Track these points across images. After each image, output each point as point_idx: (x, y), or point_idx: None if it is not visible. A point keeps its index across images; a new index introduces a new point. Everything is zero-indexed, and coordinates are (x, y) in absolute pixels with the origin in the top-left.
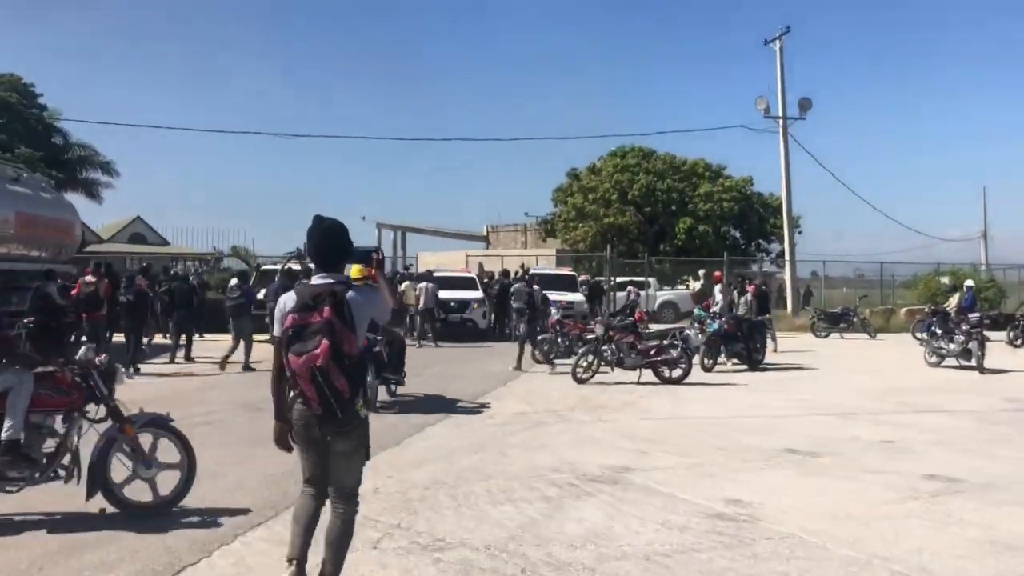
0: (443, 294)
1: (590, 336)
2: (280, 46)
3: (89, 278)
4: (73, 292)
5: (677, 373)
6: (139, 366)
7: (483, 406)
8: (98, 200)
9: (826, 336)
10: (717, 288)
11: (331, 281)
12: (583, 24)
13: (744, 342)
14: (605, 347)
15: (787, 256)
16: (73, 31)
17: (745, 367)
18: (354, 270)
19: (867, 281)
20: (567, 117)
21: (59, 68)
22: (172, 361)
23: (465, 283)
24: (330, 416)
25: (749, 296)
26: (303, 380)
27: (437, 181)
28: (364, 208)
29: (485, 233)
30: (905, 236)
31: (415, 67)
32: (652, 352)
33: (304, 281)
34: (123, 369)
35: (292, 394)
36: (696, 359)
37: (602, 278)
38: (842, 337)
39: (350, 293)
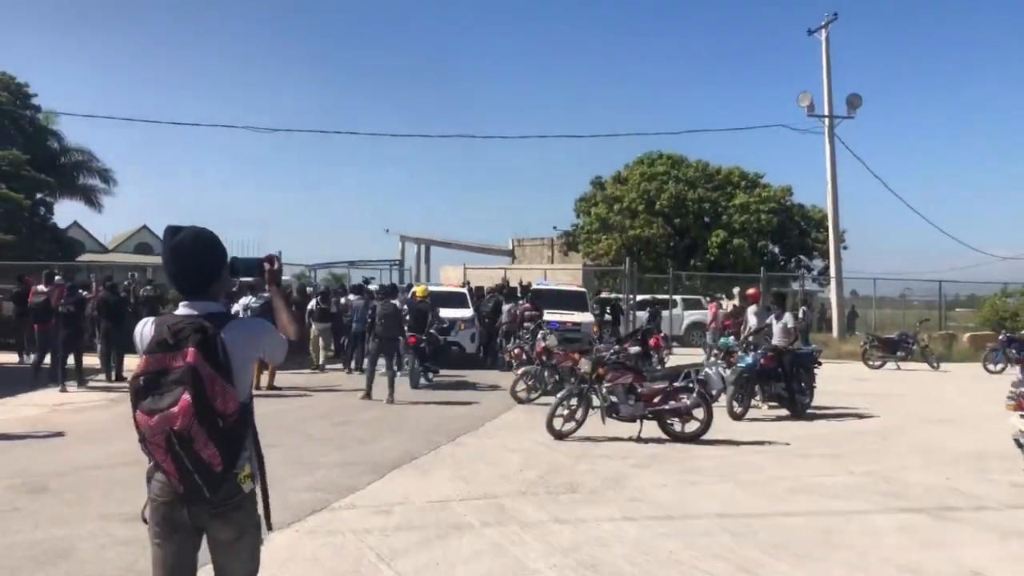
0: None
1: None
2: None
3: (42, 287)
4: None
5: (692, 427)
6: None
7: (391, 485)
8: (97, 208)
9: (880, 366)
10: (751, 309)
11: (196, 313)
12: (608, 24)
13: (786, 381)
14: (595, 389)
15: (833, 272)
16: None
17: (786, 413)
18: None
19: (914, 302)
20: (596, 122)
21: (58, 68)
22: (109, 379)
23: (453, 300)
24: (196, 496)
25: (788, 321)
26: (155, 448)
27: (463, 194)
28: (388, 221)
29: (511, 247)
30: (952, 253)
31: (440, 69)
32: (658, 398)
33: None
34: None
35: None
36: (722, 400)
37: (620, 295)
38: (899, 367)
39: (227, 328)
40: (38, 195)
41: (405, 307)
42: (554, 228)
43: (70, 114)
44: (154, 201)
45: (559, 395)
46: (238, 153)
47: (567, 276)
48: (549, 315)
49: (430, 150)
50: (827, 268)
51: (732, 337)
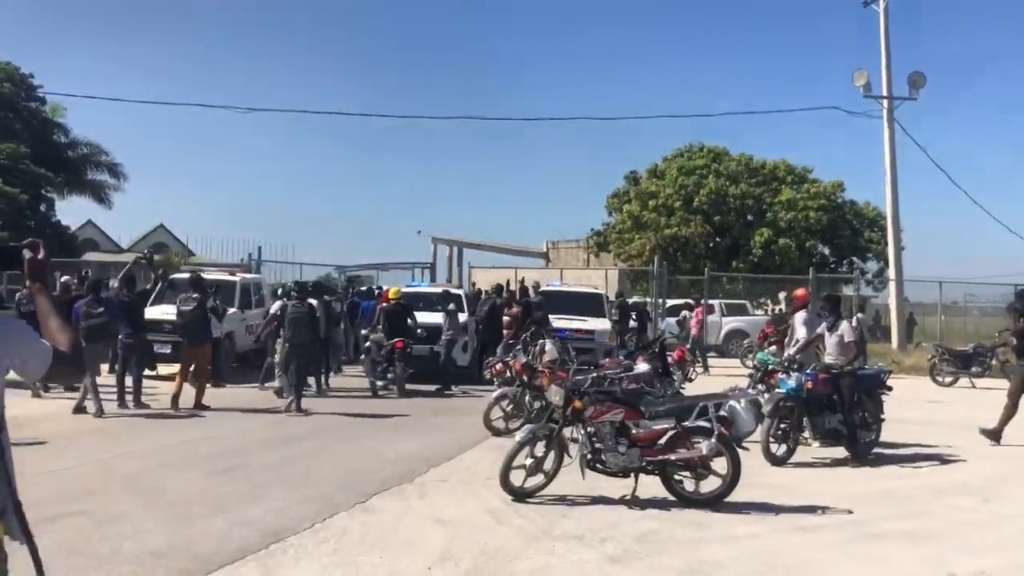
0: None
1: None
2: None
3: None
4: None
5: (710, 486)
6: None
7: None
8: (107, 204)
9: (952, 383)
10: (799, 316)
11: None
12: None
13: (843, 412)
14: (577, 427)
15: (892, 274)
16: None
17: (843, 455)
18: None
19: (973, 310)
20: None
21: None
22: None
23: (444, 302)
24: None
25: (844, 332)
26: None
27: (499, 196)
28: (419, 222)
29: (545, 250)
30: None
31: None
32: (660, 443)
33: None
34: None
35: None
36: (757, 435)
37: (647, 299)
38: (973, 385)
39: None
40: (43, 191)
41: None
42: (591, 230)
43: (70, 95)
44: (172, 200)
45: (519, 436)
46: (263, 154)
47: (600, 279)
48: (557, 322)
49: (464, 149)
50: (882, 271)
51: (772, 348)
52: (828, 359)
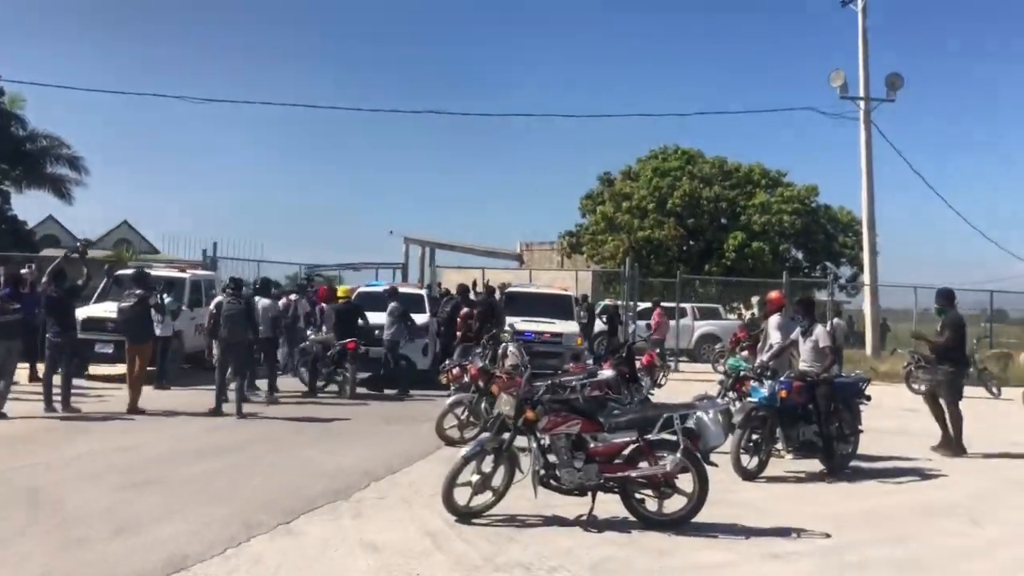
0: (371, 318)
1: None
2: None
3: None
4: None
5: (675, 506)
6: None
7: None
8: (68, 200)
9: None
10: (773, 321)
11: None
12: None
13: (819, 422)
14: (532, 439)
15: (867, 279)
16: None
17: (819, 469)
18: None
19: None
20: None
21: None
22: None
23: (408, 303)
24: None
25: (819, 337)
26: None
27: (472, 196)
28: (393, 222)
29: (519, 251)
30: (991, 263)
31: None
32: (620, 458)
33: None
34: None
35: None
36: (727, 447)
37: (618, 302)
38: None
39: None
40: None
41: (321, 308)
42: (563, 232)
43: (23, 82)
44: (138, 198)
45: (465, 450)
46: (240, 153)
47: (572, 281)
48: (523, 324)
49: (438, 148)
50: (855, 276)
51: (744, 353)
52: (803, 366)
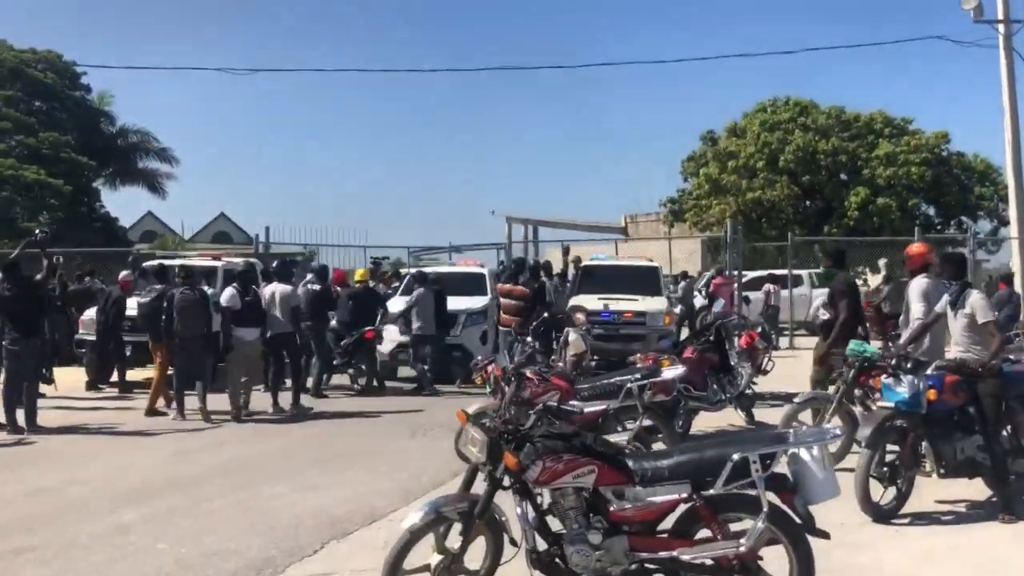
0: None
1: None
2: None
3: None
4: None
5: None
6: None
7: None
8: (161, 194)
9: None
10: (916, 286)
11: None
12: None
13: (984, 433)
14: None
15: (1015, 231)
16: None
17: (985, 495)
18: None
19: None
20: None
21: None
22: None
23: (464, 285)
24: None
25: (977, 308)
26: None
27: (575, 172)
28: (493, 201)
29: (623, 224)
30: None
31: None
32: (662, 529)
33: None
34: None
35: None
36: (855, 475)
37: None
38: None
39: None
40: (85, 179)
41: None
42: (664, 199)
43: (103, 67)
44: (235, 188)
45: (410, 519)
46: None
47: (679, 250)
48: (598, 302)
49: (540, 123)
50: (996, 231)
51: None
52: (956, 351)
